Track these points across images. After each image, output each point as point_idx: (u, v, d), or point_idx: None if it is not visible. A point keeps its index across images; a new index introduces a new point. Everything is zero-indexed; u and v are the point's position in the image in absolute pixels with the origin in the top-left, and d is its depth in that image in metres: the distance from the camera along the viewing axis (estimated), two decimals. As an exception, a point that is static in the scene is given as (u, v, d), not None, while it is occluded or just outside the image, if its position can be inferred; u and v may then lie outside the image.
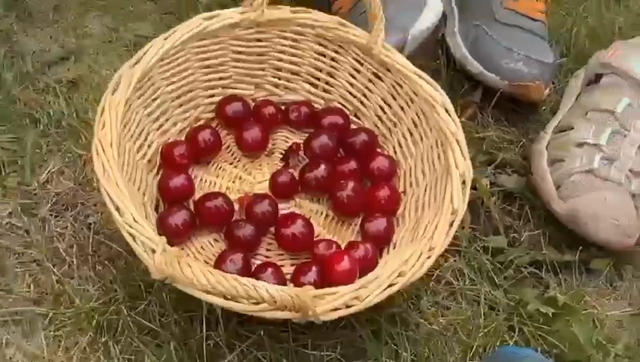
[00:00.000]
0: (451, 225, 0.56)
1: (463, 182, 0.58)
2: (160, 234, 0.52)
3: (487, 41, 0.73)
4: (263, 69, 0.69)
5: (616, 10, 0.87)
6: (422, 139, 0.64)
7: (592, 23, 0.83)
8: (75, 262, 0.60)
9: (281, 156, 0.67)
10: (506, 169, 0.72)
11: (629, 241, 0.66)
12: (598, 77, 0.72)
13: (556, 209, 0.67)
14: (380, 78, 0.66)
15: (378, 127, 0.67)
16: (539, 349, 0.60)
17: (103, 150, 0.54)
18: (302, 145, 0.67)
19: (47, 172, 0.65)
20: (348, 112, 0.68)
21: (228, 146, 0.67)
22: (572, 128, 0.70)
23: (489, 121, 0.74)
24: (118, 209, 0.52)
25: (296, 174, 0.65)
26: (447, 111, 0.62)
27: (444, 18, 0.78)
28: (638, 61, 0.69)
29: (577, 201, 0.65)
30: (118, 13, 0.80)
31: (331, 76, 0.68)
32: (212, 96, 0.68)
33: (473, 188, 0.67)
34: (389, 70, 0.65)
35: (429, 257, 0.54)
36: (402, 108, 0.65)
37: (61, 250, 0.61)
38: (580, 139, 0.68)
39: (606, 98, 0.69)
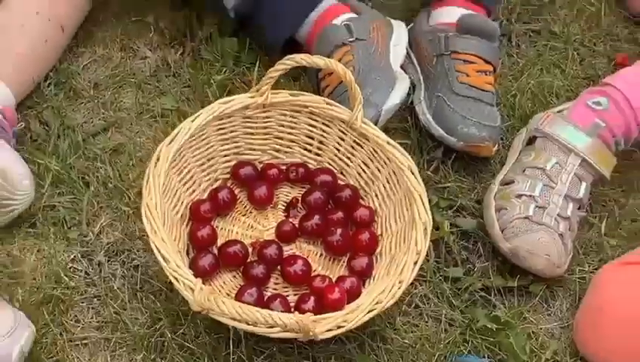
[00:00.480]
0: (416, 262, 0.74)
1: (425, 229, 0.76)
2: (194, 275, 0.70)
3: (447, 109, 0.91)
4: (267, 139, 0.87)
5: (554, 74, 1.05)
6: (394, 194, 0.82)
7: (533, 88, 1.01)
8: (127, 297, 0.78)
9: (284, 208, 0.86)
10: (463, 212, 0.90)
11: (558, 271, 0.84)
12: (533, 138, 0.90)
13: (502, 247, 0.85)
14: (360, 145, 0.84)
15: (359, 184, 0.86)
16: (486, 356, 0.78)
17: (150, 213, 0.72)
18: (299, 199, 0.85)
19: (99, 225, 0.83)
20: (335, 172, 0.87)
21: (241, 201, 0.85)
22: (513, 182, 0.88)
23: (449, 173, 0.92)
24: (164, 258, 0.70)
25: (296, 223, 0.83)
26: (412, 172, 0.80)
27: (413, 86, 0.97)
28: (564, 129, 0.87)
29: (518, 241, 0.83)
30: (147, 88, 0.98)
31: (322, 143, 0.87)
32: (228, 161, 0.86)
33: (436, 228, 0.86)
34: (367, 139, 0.83)
35: (399, 288, 0.72)
36: (378, 170, 0.84)
37: (115, 288, 0.79)
38: (519, 191, 0.86)
39: (539, 158, 0.88)
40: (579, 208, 0.87)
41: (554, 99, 1.00)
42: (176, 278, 0.69)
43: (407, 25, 1.02)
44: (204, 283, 0.70)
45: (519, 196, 0.86)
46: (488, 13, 1.00)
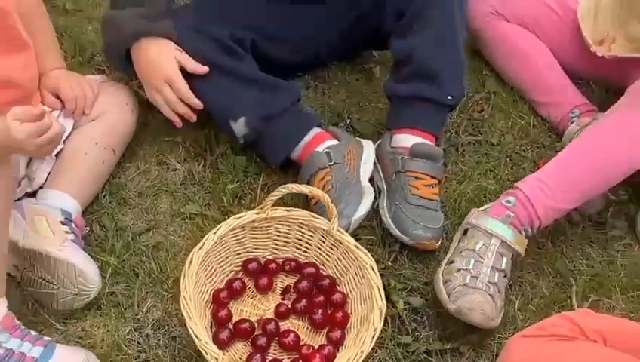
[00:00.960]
0: (373, 336, 1.06)
1: (380, 313, 1.08)
2: (216, 346, 1.02)
3: (402, 215, 1.23)
4: (268, 241, 1.19)
5: (489, 179, 1.37)
6: (360, 284, 1.14)
7: (471, 192, 1.34)
8: (168, 360, 1.10)
9: (281, 292, 1.17)
10: (414, 292, 1.22)
11: (493, 323, 1.14)
12: (466, 230, 1.22)
13: (449, 308, 1.15)
14: (336, 247, 1.16)
15: (336, 274, 1.17)
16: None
17: (187, 303, 1.04)
18: (292, 286, 1.17)
19: (147, 306, 1.15)
20: (318, 265, 1.18)
21: (250, 288, 1.17)
22: (454, 262, 1.20)
23: (405, 262, 1.24)
24: (196, 336, 1.02)
25: (289, 304, 1.15)
26: (373, 270, 1.12)
27: (379, 192, 1.29)
28: (486, 220, 1.19)
29: (460, 302, 1.13)
30: (177, 195, 1.30)
31: (308, 244, 1.19)
32: (239, 258, 1.18)
33: (393, 306, 1.18)
34: (341, 243, 1.15)
35: (361, 356, 1.04)
36: (349, 265, 1.15)
37: (160, 354, 1.10)
38: (458, 267, 1.17)
39: (470, 242, 1.19)
40: (504, 276, 1.19)
41: (487, 200, 1.32)
42: (205, 351, 1.01)
43: (375, 141, 1.35)
44: (223, 351, 1.01)
45: (458, 270, 1.17)
46: (435, 140, 1.32)
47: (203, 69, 1.24)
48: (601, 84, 1.54)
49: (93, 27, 1.52)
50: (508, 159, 1.41)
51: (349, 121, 1.43)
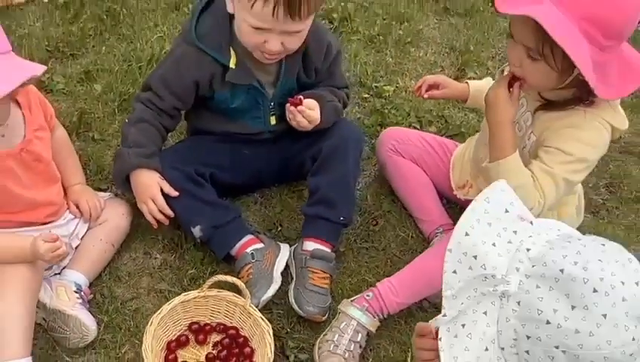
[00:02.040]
0: (263, 377, 1.67)
1: (269, 358, 1.69)
2: (163, 377, 1.64)
3: (300, 296, 1.84)
4: (206, 310, 1.82)
5: (370, 275, 1.97)
6: (261, 341, 1.75)
7: (354, 284, 1.94)
8: (133, 385, 1.73)
9: (212, 345, 1.80)
10: (303, 350, 1.82)
11: None
12: (339, 313, 1.83)
13: (316, 367, 1.76)
14: (248, 317, 1.78)
15: (248, 336, 1.79)
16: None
17: (147, 350, 1.67)
18: (219, 341, 1.79)
19: (125, 349, 1.78)
20: (238, 328, 1.80)
21: (192, 341, 1.80)
22: (326, 334, 1.80)
23: (301, 329, 1.85)
24: (149, 369, 1.65)
25: (216, 353, 1.77)
26: (269, 333, 1.73)
27: (292, 279, 1.91)
28: (349, 307, 1.80)
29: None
30: (155, 276, 1.94)
31: (231, 314, 1.81)
32: (186, 321, 1.81)
33: (287, 358, 1.78)
34: (251, 314, 1.77)
35: (253, 388, 1.65)
36: (256, 329, 1.77)
37: (129, 381, 1.73)
38: (328, 339, 1.78)
39: (338, 322, 1.80)
40: (359, 347, 1.78)
41: (364, 289, 1.92)
42: (153, 379, 1.64)
43: (292, 244, 1.98)
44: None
45: (327, 341, 1.78)
46: (332, 247, 1.94)
47: (174, 193, 1.89)
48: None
49: (111, 153, 2.20)
50: (389, 261, 2.02)
51: (280, 228, 2.07)
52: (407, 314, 1.90)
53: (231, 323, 1.83)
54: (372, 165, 2.25)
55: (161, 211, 1.89)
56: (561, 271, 0.99)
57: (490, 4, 2.86)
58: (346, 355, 1.76)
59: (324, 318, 1.86)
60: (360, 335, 1.80)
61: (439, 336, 1.09)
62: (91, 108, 2.31)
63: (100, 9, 2.68)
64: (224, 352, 1.77)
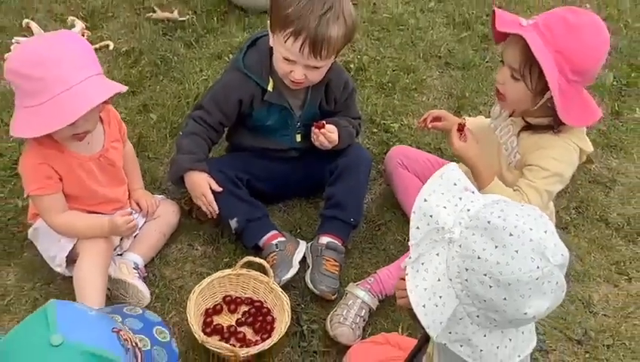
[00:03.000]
0: (283, 327, 2.10)
1: (286, 322, 2.12)
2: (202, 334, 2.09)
3: (316, 279, 2.28)
4: (237, 286, 2.27)
5: (370, 267, 2.41)
6: (281, 311, 2.19)
7: (357, 272, 2.38)
8: (177, 335, 2.16)
9: (241, 314, 2.24)
10: (315, 322, 2.24)
11: (352, 343, 2.15)
12: (347, 293, 2.26)
13: (329, 333, 2.19)
14: (271, 291, 2.23)
15: (270, 307, 2.23)
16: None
17: (190, 313, 2.12)
18: (247, 311, 2.23)
19: (171, 315, 2.23)
20: (262, 301, 2.25)
21: (224, 310, 2.24)
22: (337, 309, 2.23)
23: (314, 305, 2.28)
24: (192, 327, 2.09)
25: (244, 319, 2.21)
26: (287, 303, 2.17)
27: (308, 266, 2.35)
28: (355, 289, 2.24)
29: (335, 331, 2.17)
30: (196, 263, 2.40)
31: (257, 289, 2.26)
32: (221, 294, 2.25)
33: (301, 327, 2.21)
34: (273, 289, 2.22)
35: (276, 338, 2.08)
36: (277, 301, 2.21)
37: (175, 331, 2.17)
38: (338, 313, 2.21)
39: (346, 300, 2.24)
40: (363, 320, 2.21)
41: (365, 277, 2.35)
42: (195, 332, 2.07)
43: (309, 241, 2.43)
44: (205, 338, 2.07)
45: (337, 314, 2.20)
46: (343, 242, 2.39)
47: (219, 189, 2.34)
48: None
49: (163, 168, 2.69)
50: (387, 258, 2.45)
51: (299, 230, 2.52)
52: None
53: (257, 297, 2.27)
54: (378, 185, 2.71)
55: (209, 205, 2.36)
56: (489, 222, 1.41)
57: (485, 59, 3.36)
58: (353, 326, 2.18)
59: (333, 297, 2.29)
60: (364, 310, 2.23)
61: (406, 273, 1.52)
62: (147, 134, 2.82)
63: (155, 57, 3.22)
64: (251, 319, 2.21)
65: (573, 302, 2.38)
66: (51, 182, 2.12)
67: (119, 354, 1.36)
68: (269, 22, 2.26)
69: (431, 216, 1.46)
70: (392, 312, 2.29)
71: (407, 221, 2.55)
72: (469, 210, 1.45)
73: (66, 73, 1.92)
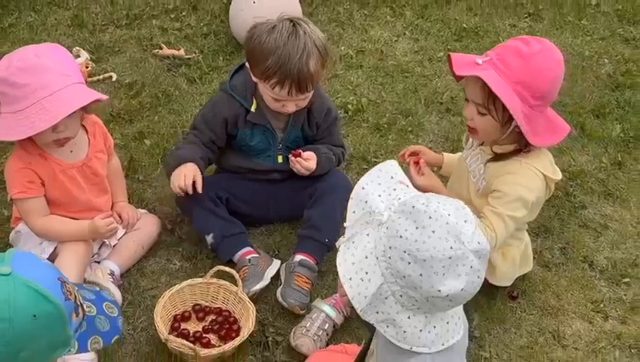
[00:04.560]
0: (246, 333, 2.43)
1: (249, 330, 2.45)
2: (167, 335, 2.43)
3: (286, 292, 2.61)
4: (207, 295, 2.62)
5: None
6: (247, 321, 2.52)
7: (327, 289, 2.70)
8: (143, 340, 2.50)
9: (208, 322, 2.57)
10: (281, 334, 2.57)
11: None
12: (313, 307, 2.59)
13: (291, 343, 2.50)
14: (239, 302, 2.57)
15: (238, 316, 2.57)
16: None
17: (157, 316, 2.46)
18: (214, 319, 2.57)
19: (140, 320, 2.57)
20: (230, 311, 2.58)
21: (193, 318, 2.58)
22: (301, 321, 2.55)
23: (282, 318, 2.61)
24: (159, 331, 2.43)
25: (210, 327, 2.55)
26: (253, 313, 2.50)
27: (280, 282, 2.69)
28: (321, 304, 2.57)
29: (297, 341, 2.50)
30: (173, 276, 2.76)
31: (227, 299, 2.60)
32: (191, 302, 2.60)
33: (267, 338, 2.54)
34: (242, 299, 2.56)
35: (237, 343, 2.41)
36: (244, 311, 2.55)
37: (142, 335, 2.51)
38: (302, 325, 2.54)
39: (311, 313, 2.57)
40: (326, 334, 2.53)
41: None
42: (161, 334, 2.41)
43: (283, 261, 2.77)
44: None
45: (302, 327, 2.53)
46: (316, 262, 2.73)
47: (200, 189, 2.68)
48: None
49: (152, 191, 3.09)
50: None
51: (277, 253, 2.87)
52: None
53: (225, 307, 2.62)
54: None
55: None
56: (413, 207, 1.74)
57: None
58: (315, 338, 2.50)
59: (302, 312, 2.61)
60: (327, 324, 2.55)
61: (338, 251, 1.85)
62: (140, 158, 3.24)
63: (157, 90, 3.67)
64: (217, 326, 2.55)
65: (543, 334, 2.66)
66: (33, 186, 2.53)
67: (59, 298, 1.70)
68: (248, 67, 2.71)
69: (366, 201, 1.80)
70: (356, 329, 2.60)
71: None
72: (399, 199, 1.79)
73: (49, 80, 2.34)
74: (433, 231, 1.67)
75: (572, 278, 2.89)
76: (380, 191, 1.81)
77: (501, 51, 2.47)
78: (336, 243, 1.89)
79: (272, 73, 2.60)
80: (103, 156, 2.69)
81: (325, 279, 2.79)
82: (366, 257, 1.75)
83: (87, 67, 3.68)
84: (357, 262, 1.76)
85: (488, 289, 2.67)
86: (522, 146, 2.50)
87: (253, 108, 2.74)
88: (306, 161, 2.77)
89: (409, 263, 1.68)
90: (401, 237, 1.69)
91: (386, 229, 1.72)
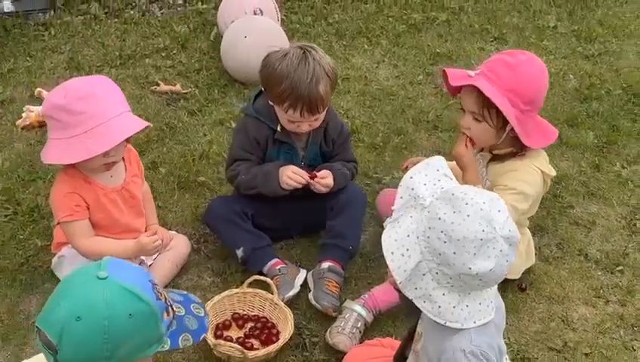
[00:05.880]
0: (285, 337, 2.61)
1: (289, 333, 2.63)
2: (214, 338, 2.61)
3: (319, 296, 2.80)
4: (244, 304, 2.80)
5: (368, 288, 2.94)
6: (284, 325, 2.71)
7: (355, 293, 2.91)
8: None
9: (248, 329, 2.75)
10: (317, 335, 2.76)
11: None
12: (344, 308, 2.79)
13: (328, 341, 2.69)
14: (275, 307, 2.76)
15: (275, 322, 2.76)
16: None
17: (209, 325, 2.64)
18: (254, 325, 2.76)
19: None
20: (267, 317, 2.77)
21: (233, 326, 2.76)
22: (335, 320, 2.75)
23: (315, 320, 2.80)
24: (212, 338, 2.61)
25: (250, 333, 2.73)
26: (290, 316, 2.69)
27: (310, 289, 2.89)
28: (352, 304, 2.77)
29: (334, 340, 2.69)
30: (206, 292, 2.93)
31: (263, 306, 2.79)
32: (231, 311, 2.78)
33: (304, 339, 2.73)
34: (277, 305, 2.75)
35: (279, 345, 2.59)
36: (281, 316, 2.73)
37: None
38: (337, 324, 2.74)
39: (344, 313, 2.77)
40: (359, 332, 2.73)
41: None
42: (215, 344, 2.58)
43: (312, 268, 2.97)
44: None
45: (337, 326, 2.73)
46: (342, 267, 2.93)
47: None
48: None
49: (172, 216, 3.27)
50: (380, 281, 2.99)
51: (299, 264, 3.07)
52: (395, 317, 2.84)
53: (262, 314, 2.80)
54: (371, 226, 3.27)
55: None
56: (452, 194, 1.97)
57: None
58: (350, 335, 2.70)
59: (334, 314, 2.81)
60: (360, 322, 2.75)
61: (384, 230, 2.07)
62: (157, 186, 3.41)
63: (161, 123, 3.86)
64: (257, 332, 2.74)
65: (553, 319, 2.91)
66: (80, 209, 2.70)
67: (151, 297, 1.86)
68: (264, 92, 2.94)
69: (412, 188, 2.03)
70: (385, 326, 2.81)
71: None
72: (442, 188, 2.02)
73: (105, 108, 2.54)
74: (468, 215, 1.90)
75: (571, 270, 3.15)
76: (426, 181, 2.03)
77: (490, 64, 2.77)
78: (384, 223, 2.09)
79: (285, 97, 2.82)
80: (138, 180, 2.87)
81: (348, 285, 2.99)
82: (408, 236, 1.97)
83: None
84: (399, 239, 1.98)
85: (500, 283, 2.90)
86: (518, 149, 2.78)
87: (279, 128, 2.96)
88: (324, 180, 2.99)
89: (445, 242, 1.90)
90: (439, 219, 1.92)
91: (428, 213, 1.95)
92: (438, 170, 2.08)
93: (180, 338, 1.95)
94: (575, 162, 3.79)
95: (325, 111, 2.93)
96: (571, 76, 4.56)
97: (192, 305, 2.06)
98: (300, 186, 2.91)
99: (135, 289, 1.83)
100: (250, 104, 3.02)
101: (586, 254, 3.24)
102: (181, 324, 1.99)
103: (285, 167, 2.93)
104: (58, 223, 2.73)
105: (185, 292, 2.12)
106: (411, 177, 2.06)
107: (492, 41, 4.94)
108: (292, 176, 2.91)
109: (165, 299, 1.96)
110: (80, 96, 2.53)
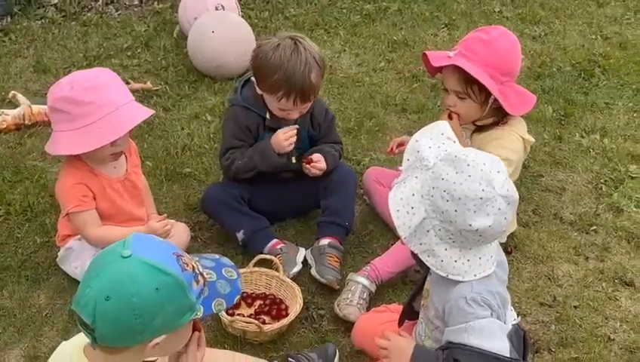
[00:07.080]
0: (295, 311, 2.73)
1: (299, 305, 2.75)
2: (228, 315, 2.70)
3: (322, 271, 2.93)
4: (251, 283, 2.90)
5: (364, 263, 3.08)
6: (292, 300, 2.82)
7: (355, 266, 3.04)
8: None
9: (256, 306, 2.86)
10: (322, 307, 2.88)
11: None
12: (349, 281, 2.92)
13: (338, 313, 2.82)
14: (282, 284, 2.87)
15: (283, 298, 2.87)
16: None
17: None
18: (262, 302, 2.86)
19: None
20: (275, 294, 2.88)
21: (242, 304, 2.86)
22: (342, 293, 2.88)
23: (320, 293, 2.93)
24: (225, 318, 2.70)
25: (259, 309, 2.83)
26: (298, 291, 2.81)
27: (310, 265, 3.01)
28: (355, 276, 2.91)
29: (343, 311, 2.81)
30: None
31: (269, 284, 2.90)
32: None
33: (310, 311, 2.84)
34: (284, 281, 2.86)
35: (289, 320, 2.71)
36: (287, 292, 2.85)
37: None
38: (344, 296, 2.87)
39: (349, 286, 2.90)
40: (365, 301, 2.86)
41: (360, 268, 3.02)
42: (231, 321, 2.68)
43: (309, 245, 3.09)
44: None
45: (345, 298, 2.86)
46: (340, 242, 3.06)
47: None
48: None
49: (162, 208, 3.33)
50: (376, 256, 3.12)
51: (295, 243, 3.18)
52: (395, 285, 2.99)
53: (269, 291, 2.91)
54: (358, 205, 3.41)
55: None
56: (455, 156, 2.11)
57: (437, 104, 4.18)
58: (358, 306, 2.83)
59: (338, 287, 2.94)
60: (365, 293, 2.88)
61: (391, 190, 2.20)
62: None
63: (137, 120, 3.93)
64: (267, 308, 2.84)
65: (540, 278, 3.10)
66: (87, 200, 2.76)
67: (175, 270, 1.89)
68: (255, 82, 3.03)
69: (418, 151, 2.16)
70: (387, 294, 2.95)
71: (389, 229, 3.31)
72: (446, 150, 2.17)
73: (113, 96, 2.62)
74: (469, 176, 2.04)
75: (550, 232, 3.35)
76: (431, 144, 2.17)
77: (466, 43, 2.95)
78: (392, 183, 2.21)
79: (278, 87, 2.94)
80: (138, 171, 2.95)
81: (345, 259, 3.12)
82: (413, 195, 2.12)
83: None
84: (405, 198, 2.13)
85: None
86: (500, 118, 2.97)
87: (268, 116, 3.07)
88: (318, 163, 3.12)
89: (447, 201, 2.05)
90: (442, 179, 2.06)
91: (432, 173, 2.09)
92: (442, 134, 2.22)
93: (214, 304, 2.00)
94: (538, 134, 3.99)
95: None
96: (523, 56, 4.76)
97: (223, 269, 2.10)
98: (295, 139, 3.02)
99: (159, 264, 1.86)
100: (238, 94, 3.12)
101: (561, 217, 3.44)
102: (214, 290, 2.04)
103: (273, 135, 3.03)
104: (67, 214, 2.78)
105: (217, 256, 2.15)
106: (417, 140, 2.19)
107: (443, 27, 5.12)
108: (284, 135, 3.01)
109: (193, 268, 2.01)
110: (87, 87, 2.60)
